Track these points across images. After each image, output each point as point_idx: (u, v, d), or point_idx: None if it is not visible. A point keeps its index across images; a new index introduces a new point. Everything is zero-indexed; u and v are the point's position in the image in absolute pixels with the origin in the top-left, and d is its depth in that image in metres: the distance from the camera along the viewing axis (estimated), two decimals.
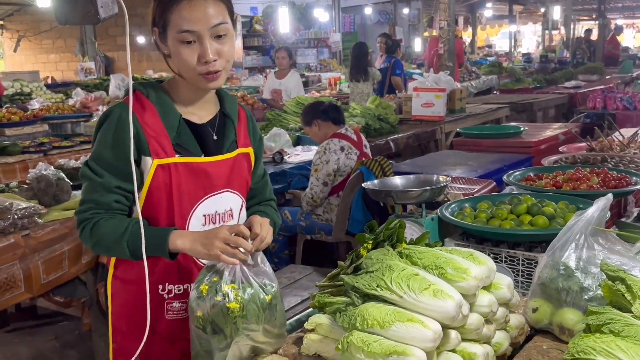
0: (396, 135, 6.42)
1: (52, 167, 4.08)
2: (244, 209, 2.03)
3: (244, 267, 1.67)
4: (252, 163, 2.05)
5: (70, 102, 8.54)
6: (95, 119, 7.17)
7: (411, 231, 2.38)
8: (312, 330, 1.80)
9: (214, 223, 1.91)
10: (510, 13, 21.84)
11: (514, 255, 2.23)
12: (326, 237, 4.63)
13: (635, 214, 2.89)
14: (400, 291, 1.51)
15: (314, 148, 5.06)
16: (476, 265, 1.62)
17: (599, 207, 1.85)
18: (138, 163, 1.81)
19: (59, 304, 3.68)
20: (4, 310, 4.27)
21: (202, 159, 1.87)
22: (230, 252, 1.66)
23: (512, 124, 6.92)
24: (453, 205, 2.57)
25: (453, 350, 1.52)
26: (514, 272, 2.23)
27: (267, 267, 1.74)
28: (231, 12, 1.84)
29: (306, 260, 4.68)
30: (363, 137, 4.88)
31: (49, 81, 13.39)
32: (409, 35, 19.68)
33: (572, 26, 20.55)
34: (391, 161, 4.41)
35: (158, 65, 13.65)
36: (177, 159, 1.83)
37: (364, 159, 4.53)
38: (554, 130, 5.86)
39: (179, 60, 1.80)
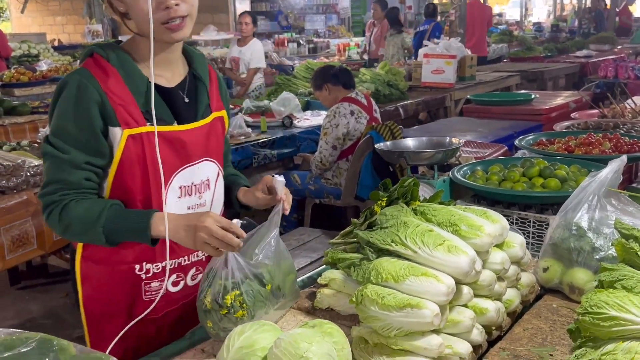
0: (405, 102, 6.40)
1: None
2: (220, 177, 1.89)
3: (240, 261, 1.56)
4: (227, 127, 1.92)
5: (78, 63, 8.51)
6: None
7: (423, 192, 2.38)
8: (325, 285, 1.82)
9: (190, 195, 1.77)
10: None
11: (525, 217, 2.24)
12: (335, 201, 4.65)
13: None
14: (415, 246, 1.52)
15: (323, 113, 5.05)
16: (490, 223, 1.63)
17: (613, 169, 1.85)
18: (105, 135, 1.65)
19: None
20: (15, 267, 4.33)
21: (177, 127, 1.72)
22: (216, 246, 1.54)
23: (523, 91, 6.88)
24: (465, 168, 2.57)
25: (465, 305, 1.54)
26: (524, 234, 2.24)
27: (271, 240, 1.64)
28: None
29: (314, 224, 4.71)
30: (373, 102, 4.86)
31: (56, 43, 13.33)
32: (418, 2, 19.44)
33: None
34: (401, 126, 4.39)
35: None
36: (149, 127, 1.66)
37: (373, 123, 4.52)
38: (565, 98, 5.83)
39: (136, 12, 1.62)
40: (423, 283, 1.46)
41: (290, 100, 5.68)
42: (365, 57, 10.72)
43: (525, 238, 2.24)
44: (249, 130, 4.91)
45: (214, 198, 1.87)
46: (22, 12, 16.06)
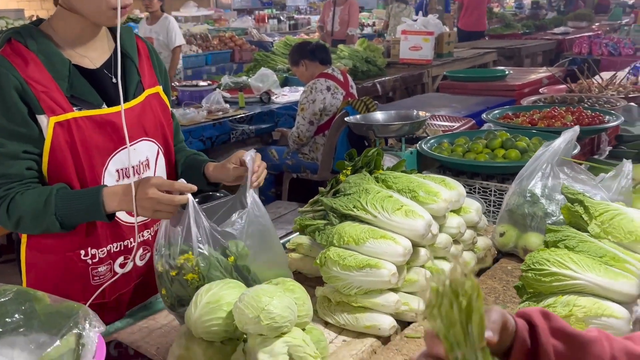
0: (383, 78, 6.47)
1: None
2: (161, 156, 1.81)
3: (202, 228, 1.50)
4: (167, 102, 1.84)
5: None
6: None
7: (390, 164, 2.48)
8: (293, 250, 1.92)
9: (128, 177, 1.70)
10: None
11: (487, 186, 2.35)
12: (312, 176, 4.74)
13: (607, 152, 3.00)
14: (375, 211, 1.62)
15: (301, 89, 5.11)
16: (447, 189, 1.74)
17: (566, 139, 1.96)
18: (34, 122, 1.56)
19: None
20: None
21: (105, 110, 1.64)
22: (165, 210, 1.50)
23: (498, 68, 6.98)
24: (432, 141, 2.67)
25: (423, 266, 1.65)
26: (486, 203, 2.35)
27: (251, 210, 1.57)
28: None
29: (292, 198, 4.79)
30: (350, 78, 4.93)
31: (34, 19, 13.17)
32: None
33: None
34: (376, 101, 4.48)
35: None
36: (75, 113, 1.58)
37: (349, 99, 4.60)
38: (538, 74, 5.94)
39: None
40: (382, 245, 1.56)
41: (269, 77, 5.73)
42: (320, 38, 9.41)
43: (487, 206, 2.36)
44: (227, 106, 4.97)
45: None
46: None
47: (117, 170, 1.67)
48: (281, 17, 14.60)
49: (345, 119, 2.72)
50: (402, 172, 1.91)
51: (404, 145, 2.56)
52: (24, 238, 1.71)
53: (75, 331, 0.97)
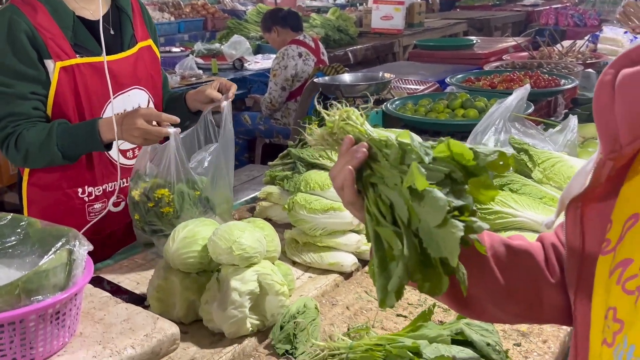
0: (355, 47, 6.57)
1: None
2: (151, 104, 1.97)
3: (180, 165, 1.67)
4: (157, 55, 2.01)
5: None
6: None
7: None
8: (264, 199, 2.05)
9: None
10: None
11: None
12: (284, 141, 4.85)
13: (563, 115, 3.17)
14: None
15: (273, 56, 5.21)
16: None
17: (517, 97, 2.12)
18: (42, 65, 1.74)
19: None
20: None
21: (105, 58, 1.80)
22: (153, 139, 1.66)
23: (467, 37, 7.12)
24: (397, 102, 2.81)
25: None
26: None
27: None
28: None
29: (265, 162, 4.87)
30: (321, 45, 5.03)
31: None
32: None
33: None
34: (347, 68, 4.59)
35: None
36: (79, 59, 1.76)
37: (320, 65, 4.70)
38: (505, 43, 6.08)
39: None
40: None
41: (242, 44, 5.80)
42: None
43: None
44: (200, 72, 5.05)
45: None
46: None
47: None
48: None
49: (315, 79, 2.85)
50: None
51: (370, 105, 2.69)
52: (25, 176, 1.87)
53: (67, 247, 1.09)
